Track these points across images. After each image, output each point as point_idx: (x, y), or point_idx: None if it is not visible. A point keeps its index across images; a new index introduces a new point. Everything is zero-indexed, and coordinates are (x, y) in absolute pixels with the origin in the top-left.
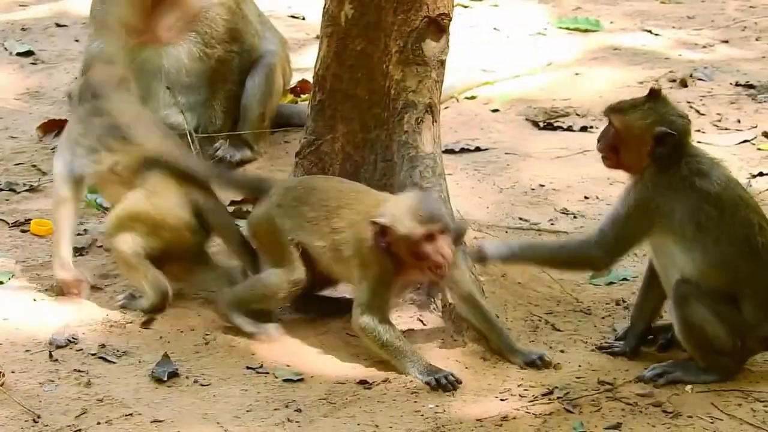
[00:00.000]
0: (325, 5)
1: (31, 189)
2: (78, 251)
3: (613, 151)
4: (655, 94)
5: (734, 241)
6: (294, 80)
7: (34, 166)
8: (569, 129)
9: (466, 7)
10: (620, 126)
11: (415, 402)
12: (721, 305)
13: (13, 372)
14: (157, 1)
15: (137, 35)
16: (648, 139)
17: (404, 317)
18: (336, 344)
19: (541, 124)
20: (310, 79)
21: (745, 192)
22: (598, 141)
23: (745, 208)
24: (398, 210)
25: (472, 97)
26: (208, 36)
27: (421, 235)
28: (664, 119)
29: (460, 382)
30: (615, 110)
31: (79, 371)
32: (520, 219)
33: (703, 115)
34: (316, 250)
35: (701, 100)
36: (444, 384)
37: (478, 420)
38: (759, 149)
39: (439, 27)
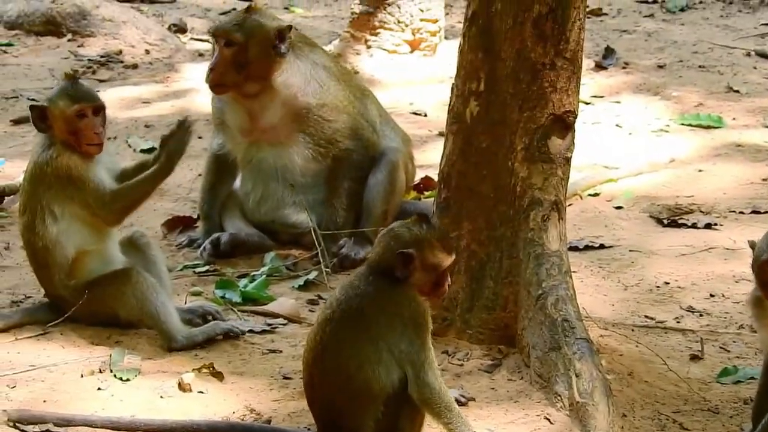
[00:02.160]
0: (450, 102)
1: None
2: None
3: None
4: None
5: None
6: (417, 177)
7: None
8: (693, 226)
9: (588, 103)
10: None
11: None
12: None
13: None
14: (257, 104)
15: (247, 134)
16: None
17: (531, 415)
18: None
19: (665, 221)
20: (433, 176)
21: None
22: None
23: None
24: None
25: (596, 194)
26: (316, 137)
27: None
28: None
29: None
30: None
31: None
32: (646, 317)
33: None
34: None
35: None
36: None
37: None
38: None
39: (564, 124)
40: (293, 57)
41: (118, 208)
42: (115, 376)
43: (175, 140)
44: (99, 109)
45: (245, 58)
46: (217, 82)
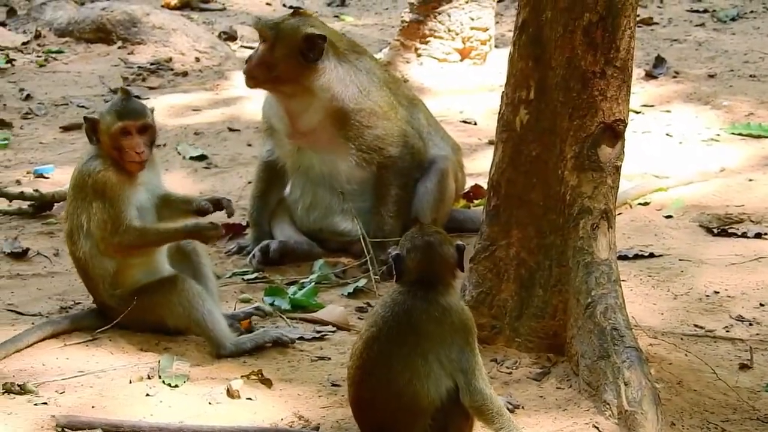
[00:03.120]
0: (500, 111)
1: None
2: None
3: None
4: None
5: None
6: (467, 185)
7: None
8: (743, 235)
9: (638, 112)
10: None
11: None
12: None
13: None
14: (295, 105)
15: (290, 137)
16: None
17: (579, 423)
18: None
19: (715, 231)
20: (483, 184)
21: None
22: None
23: None
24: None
25: (646, 203)
26: (358, 142)
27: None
28: None
29: None
30: None
31: None
32: (695, 326)
33: None
34: None
35: None
36: None
37: None
38: None
39: (614, 133)
40: (335, 62)
41: (125, 241)
42: (163, 382)
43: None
44: (145, 128)
45: (272, 57)
46: (248, 74)
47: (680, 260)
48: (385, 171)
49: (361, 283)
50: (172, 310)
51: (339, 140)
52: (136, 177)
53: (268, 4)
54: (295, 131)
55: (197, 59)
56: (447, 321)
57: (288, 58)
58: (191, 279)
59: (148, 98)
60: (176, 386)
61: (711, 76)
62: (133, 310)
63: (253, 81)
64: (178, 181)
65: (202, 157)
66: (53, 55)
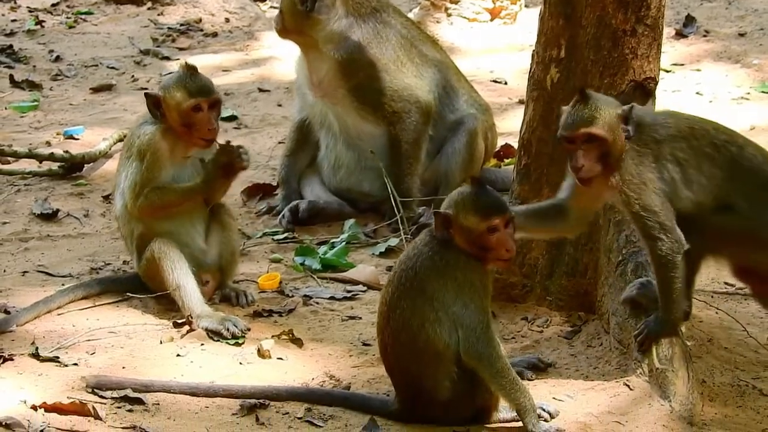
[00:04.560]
0: (531, 69)
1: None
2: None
3: (600, 161)
4: (584, 94)
5: (712, 160)
6: (498, 144)
7: (240, 230)
8: None
9: (668, 71)
10: (602, 130)
11: None
12: None
13: None
14: (309, 57)
15: (310, 89)
16: (619, 125)
17: (610, 381)
18: None
19: None
20: (514, 144)
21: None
22: (579, 168)
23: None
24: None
25: None
26: (359, 95)
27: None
28: (612, 102)
29: None
30: (586, 123)
31: None
32: (726, 284)
33: None
34: None
35: None
36: None
37: None
38: None
39: (645, 91)
40: (342, 14)
41: (146, 203)
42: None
43: (214, 163)
44: (215, 103)
45: (282, 8)
46: (276, 26)
47: None
48: (393, 127)
49: (392, 242)
50: (157, 274)
51: (343, 92)
52: (187, 150)
53: None
54: (311, 82)
55: (227, 20)
56: (449, 275)
57: (290, 8)
58: (175, 246)
59: (177, 59)
60: (237, 344)
61: (741, 35)
62: (153, 277)
63: (280, 32)
64: None
65: (232, 118)
66: (83, 17)
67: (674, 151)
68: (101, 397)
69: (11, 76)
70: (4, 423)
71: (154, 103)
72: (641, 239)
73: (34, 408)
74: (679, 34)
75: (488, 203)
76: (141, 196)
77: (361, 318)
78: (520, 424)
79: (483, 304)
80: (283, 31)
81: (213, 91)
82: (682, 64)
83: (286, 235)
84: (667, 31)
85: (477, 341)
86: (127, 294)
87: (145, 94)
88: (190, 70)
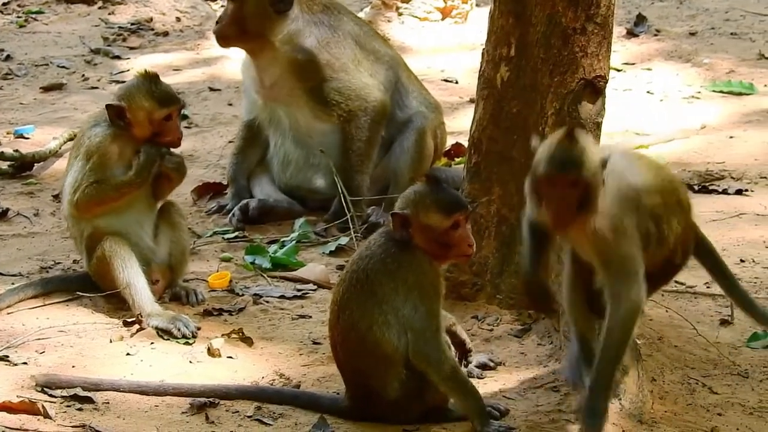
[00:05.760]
0: (480, 68)
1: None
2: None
3: (583, 205)
4: (572, 135)
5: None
6: (448, 143)
7: (190, 228)
8: (724, 192)
9: (619, 70)
10: (590, 176)
11: None
12: None
13: None
14: (262, 60)
15: (259, 93)
16: (601, 170)
17: (560, 379)
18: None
19: (696, 187)
20: (464, 143)
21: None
22: (558, 213)
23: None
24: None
25: None
26: (315, 94)
27: (448, 225)
28: (594, 144)
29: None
30: (574, 166)
31: None
32: (676, 282)
33: None
34: None
35: None
36: None
37: None
38: None
39: (595, 89)
40: (298, 14)
41: (84, 198)
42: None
43: (145, 154)
44: (181, 109)
45: (243, 13)
46: (219, 34)
47: None
48: (347, 125)
49: (342, 241)
50: (107, 273)
51: (298, 93)
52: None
53: None
54: (262, 86)
55: (178, 19)
56: (401, 277)
57: (257, 11)
58: (126, 244)
59: (128, 58)
60: (187, 344)
61: (692, 34)
62: (103, 275)
63: (224, 40)
64: None
65: (183, 117)
66: (33, 16)
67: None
68: (51, 396)
69: None
70: None
71: (117, 113)
72: (607, 290)
73: None
74: (630, 34)
75: (449, 200)
76: (78, 191)
77: (311, 317)
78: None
79: (433, 307)
80: (232, 39)
81: (179, 98)
82: (633, 63)
83: (236, 233)
84: (618, 31)
85: (425, 344)
86: (77, 293)
87: (107, 105)
88: (153, 77)
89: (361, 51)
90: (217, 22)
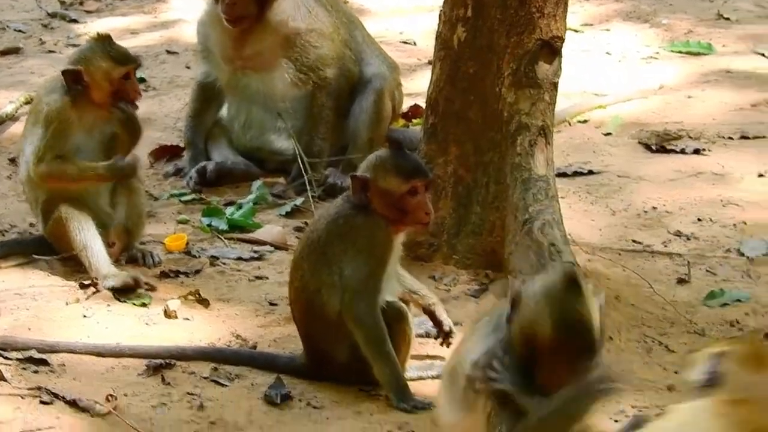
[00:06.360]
0: (438, 29)
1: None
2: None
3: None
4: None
5: None
6: (406, 105)
7: (147, 191)
8: (682, 152)
9: (577, 31)
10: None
11: None
12: None
13: (125, 395)
14: (247, 28)
15: (232, 62)
16: None
17: None
18: None
19: (654, 147)
20: (422, 104)
21: None
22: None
23: None
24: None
25: (585, 121)
26: (299, 62)
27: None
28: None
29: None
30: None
31: (192, 394)
32: (633, 241)
33: None
34: None
35: None
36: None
37: None
38: None
39: (552, 49)
40: None
41: (46, 171)
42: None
43: (126, 166)
44: (138, 67)
45: None
46: (233, 16)
47: (619, 177)
48: (319, 92)
49: (299, 202)
50: (64, 236)
51: (281, 60)
52: (100, 114)
53: None
54: (238, 56)
55: None
56: (351, 239)
57: None
58: (82, 207)
59: (85, 22)
60: (143, 305)
61: None
62: (60, 238)
63: (238, 22)
64: None
65: (140, 80)
66: None
67: None
68: (6, 358)
69: None
70: None
71: (74, 78)
72: None
73: None
74: None
75: (409, 166)
76: (43, 162)
77: (268, 278)
78: (427, 381)
79: (376, 271)
80: (245, 19)
81: (136, 57)
82: (591, 24)
83: (193, 196)
84: None
85: (357, 304)
86: (34, 256)
87: (63, 71)
88: (106, 39)
89: (338, 16)
90: (227, 4)
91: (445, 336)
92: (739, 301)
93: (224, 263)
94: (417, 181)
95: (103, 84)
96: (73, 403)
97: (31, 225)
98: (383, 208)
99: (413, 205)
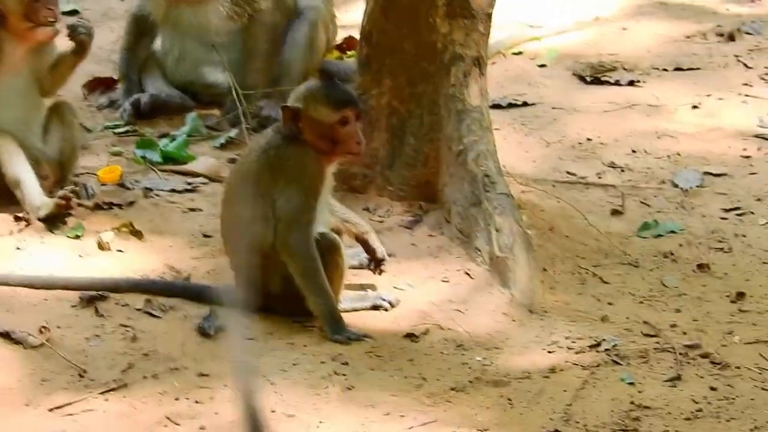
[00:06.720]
0: None
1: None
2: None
3: None
4: None
5: None
6: (340, 37)
7: (81, 123)
8: (616, 83)
9: None
10: None
11: (463, 354)
12: None
13: (59, 327)
14: None
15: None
16: None
17: (451, 270)
18: None
19: (588, 79)
20: (357, 36)
21: None
22: None
23: None
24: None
25: (519, 53)
26: None
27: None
28: None
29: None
30: None
31: (125, 326)
32: (567, 173)
33: (750, 68)
34: None
35: (749, 53)
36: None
37: (525, 372)
38: None
39: None
40: None
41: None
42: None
43: (83, 28)
44: None
45: None
46: None
47: (553, 108)
48: (254, 24)
49: (233, 134)
50: None
51: None
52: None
53: None
54: None
55: None
56: (281, 169)
57: None
58: (12, 140)
59: None
60: (77, 237)
61: None
62: None
63: None
64: None
65: (73, 12)
66: None
67: None
68: None
69: None
70: None
71: None
72: None
73: None
74: None
75: (340, 96)
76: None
77: (201, 210)
78: (362, 313)
79: (309, 202)
80: None
81: None
82: None
83: (127, 128)
84: None
85: (290, 235)
86: None
87: None
88: None
89: None
90: None
91: (377, 263)
92: (673, 232)
93: (158, 195)
94: (348, 110)
95: (15, 8)
96: (5, 335)
97: None
98: (314, 139)
99: (344, 135)
